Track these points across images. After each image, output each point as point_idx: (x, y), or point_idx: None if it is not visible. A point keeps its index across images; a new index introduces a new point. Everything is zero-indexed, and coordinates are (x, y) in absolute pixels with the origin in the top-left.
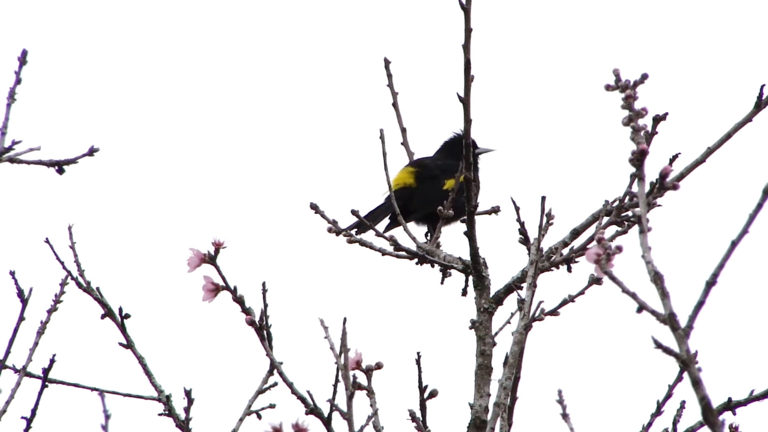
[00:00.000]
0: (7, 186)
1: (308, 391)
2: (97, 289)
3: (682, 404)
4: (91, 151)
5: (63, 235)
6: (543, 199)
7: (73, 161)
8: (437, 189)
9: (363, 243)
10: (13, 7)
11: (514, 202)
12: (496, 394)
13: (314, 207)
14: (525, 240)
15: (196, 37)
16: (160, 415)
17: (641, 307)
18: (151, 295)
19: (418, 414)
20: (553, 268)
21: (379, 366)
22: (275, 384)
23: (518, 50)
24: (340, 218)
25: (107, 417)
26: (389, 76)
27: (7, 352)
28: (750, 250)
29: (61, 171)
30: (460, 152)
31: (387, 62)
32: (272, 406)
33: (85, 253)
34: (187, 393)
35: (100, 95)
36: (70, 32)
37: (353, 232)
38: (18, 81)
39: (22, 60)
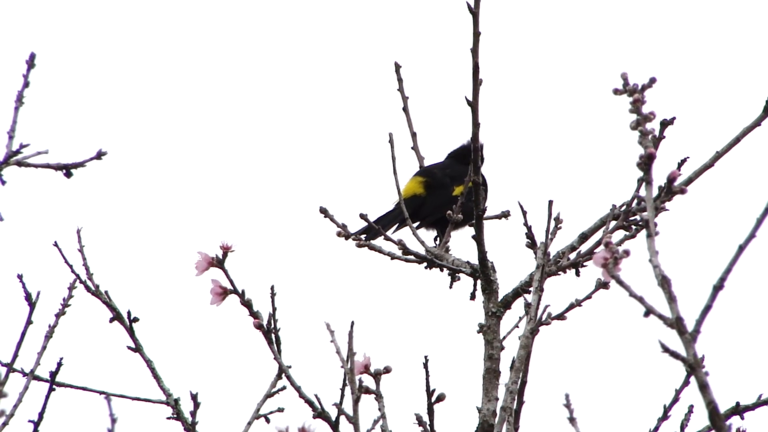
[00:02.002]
0: (15, 189)
1: (316, 395)
2: (106, 292)
3: (690, 408)
4: (99, 155)
5: (71, 238)
6: (550, 203)
7: (81, 165)
8: (447, 196)
9: (372, 247)
10: (22, 11)
11: (521, 207)
12: (502, 399)
13: (324, 211)
14: (532, 244)
15: (206, 42)
16: (168, 418)
17: (648, 312)
18: (160, 298)
19: (426, 418)
20: (560, 273)
21: (387, 370)
22: (283, 388)
23: (526, 54)
24: (349, 222)
25: (113, 421)
26: (399, 80)
27: (15, 356)
28: (758, 255)
29: (69, 174)
30: (470, 158)
31: (397, 66)
32: (280, 409)
33: (94, 256)
34: (194, 397)
35: (108, 99)
36: (78, 36)
37: (362, 236)
38: (26, 84)
39: (30, 63)
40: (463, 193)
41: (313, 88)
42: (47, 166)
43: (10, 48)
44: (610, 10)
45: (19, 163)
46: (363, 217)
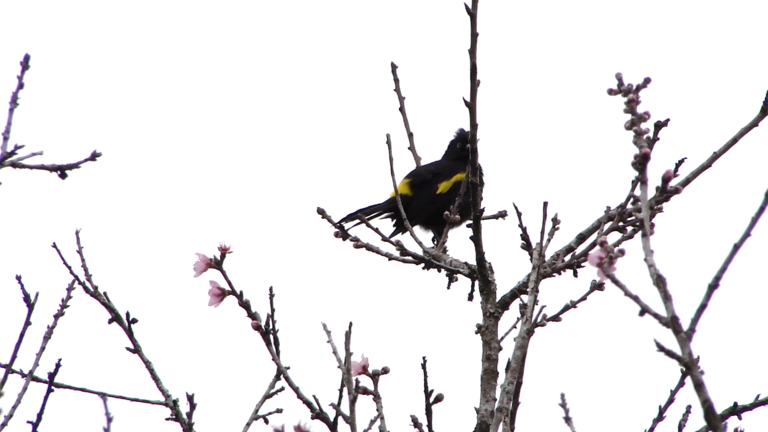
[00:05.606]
0: (10, 190)
1: (314, 396)
2: (104, 293)
3: (688, 409)
4: (94, 156)
5: (70, 239)
6: (545, 204)
7: (76, 166)
8: (431, 193)
9: (369, 248)
10: (16, 12)
11: (516, 208)
12: (498, 399)
13: (321, 212)
14: (527, 246)
15: (201, 42)
16: (167, 419)
17: (644, 311)
18: (158, 299)
19: (422, 419)
20: (555, 274)
21: (385, 371)
22: (282, 389)
23: (524, 55)
24: (347, 224)
25: (109, 420)
26: (396, 80)
27: (14, 357)
28: (752, 253)
29: (63, 176)
30: (463, 152)
31: (394, 67)
32: (279, 410)
33: (93, 257)
34: (190, 398)
35: (102, 99)
36: (73, 37)
37: (356, 236)
38: (20, 85)
39: (25, 64)
40: (460, 193)
41: (310, 88)
42: (42, 167)
43: (4, 49)
44: (606, 10)
45: (14, 165)
46: (359, 217)
